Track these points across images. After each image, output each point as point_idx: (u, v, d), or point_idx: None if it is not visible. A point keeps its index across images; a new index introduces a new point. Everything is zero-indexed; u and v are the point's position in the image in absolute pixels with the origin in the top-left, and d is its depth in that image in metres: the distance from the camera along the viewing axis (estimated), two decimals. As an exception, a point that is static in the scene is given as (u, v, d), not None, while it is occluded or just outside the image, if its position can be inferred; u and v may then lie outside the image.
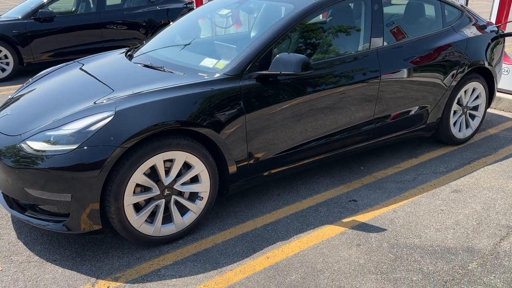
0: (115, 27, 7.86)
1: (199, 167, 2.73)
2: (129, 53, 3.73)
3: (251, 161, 2.95)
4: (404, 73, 3.55)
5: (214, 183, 2.84)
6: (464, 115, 4.22)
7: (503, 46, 4.43)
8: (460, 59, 3.89)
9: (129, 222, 2.58)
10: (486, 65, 4.10)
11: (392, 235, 2.84)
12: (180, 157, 2.64)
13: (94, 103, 2.67)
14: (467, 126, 4.28)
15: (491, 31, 4.29)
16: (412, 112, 3.76)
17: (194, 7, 9.18)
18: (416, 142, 4.29)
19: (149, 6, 8.34)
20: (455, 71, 3.87)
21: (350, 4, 3.47)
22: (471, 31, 4.10)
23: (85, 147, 2.40)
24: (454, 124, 4.15)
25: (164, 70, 3.06)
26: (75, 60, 3.76)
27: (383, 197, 3.32)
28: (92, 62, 3.61)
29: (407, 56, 3.59)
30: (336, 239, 2.81)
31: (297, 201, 3.27)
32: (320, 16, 3.64)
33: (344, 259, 2.62)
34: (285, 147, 3.09)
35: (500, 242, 2.76)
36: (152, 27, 8.28)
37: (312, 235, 2.86)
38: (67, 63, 3.73)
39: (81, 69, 3.43)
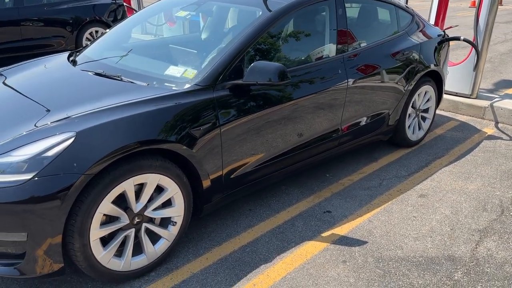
0: (36, 25, 7.09)
1: (172, 190, 2.45)
2: (71, 58, 3.30)
3: (226, 176, 2.72)
4: (369, 78, 3.51)
5: (188, 206, 2.57)
6: (417, 118, 4.31)
7: (448, 49, 4.59)
8: (416, 64, 3.95)
9: (96, 259, 2.23)
10: (437, 68, 4.22)
11: (375, 248, 2.77)
12: (152, 180, 2.34)
13: (42, 123, 2.25)
14: (419, 128, 4.38)
15: (438, 35, 4.42)
16: (375, 117, 3.75)
17: (123, 3, 8.61)
18: (372, 146, 4.31)
19: (74, 2, 7.64)
20: (412, 75, 3.92)
21: (316, 8, 3.34)
22: (422, 36, 4.19)
23: (42, 177, 2.01)
24: (409, 126, 4.22)
25: (122, 80, 2.71)
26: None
27: (356, 206, 3.25)
28: (24, 72, 3.11)
29: (371, 61, 3.55)
30: (320, 256, 2.67)
31: (271, 216, 3.09)
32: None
33: (333, 279, 2.49)
34: (261, 159, 2.89)
35: (476, 248, 2.80)
36: (79, 24, 7.61)
37: (295, 254, 2.70)
38: None
39: (5, 84, 2.90)
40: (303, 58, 3.20)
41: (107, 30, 3.71)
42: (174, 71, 2.75)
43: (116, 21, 8.14)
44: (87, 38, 7.81)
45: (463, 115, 5.33)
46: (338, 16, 3.36)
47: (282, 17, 3.00)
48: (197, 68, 2.75)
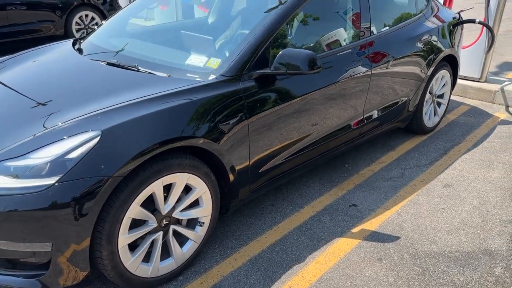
0: (22, 9, 6.73)
1: (201, 189, 2.28)
2: (76, 46, 3.06)
3: (253, 169, 2.56)
4: (392, 64, 3.36)
5: (216, 205, 2.41)
6: (433, 103, 4.19)
7: (462, 33, 4.45)
8: (435, 48, 3.81)
9: (124, 266, 2.07)
10: (453, 52, 4.09)
11: (409, 244, 2.66)
12: (181, 180, 2.17)
13: (60, 121, 2.05)
14: (434, 114, 4.27)
15: (453, 18, 4.27)
16: (396, 104, 3.62)
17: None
18: (387, 134, 4.18)
19: (62, -16, 7.25)
20: (432, 60, 3.78)
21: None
22: (439, 19, 4.04)
23: (67, 181, 1.83)
24: (425, 113, 4.10)
25: (139, 70, 2.51)
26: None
27: (381, 198, 3.13)
28: (28, 63, 2.86)
29: (394, 47, 3.40)
30: (354, 254, 2.55)
31: (296, 211, 2.96)
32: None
33: (372, 279, 2.37)
34: (290, 151, 2.75)
35: (511, 241, 2.72)
36: (67, 8, 7.24)
37: (327, 252, 2.57)
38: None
39: (10, 76, 2.68)
40: (327, 44, 3.02)
41: (116, 12, 3.45)
42: (196, 60, 2.55)
43: (105, 4, 7.79)
44: (76, 22, 7.45)
45: (472, 99, 5.24)
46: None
47: (306, 2, 2.80)
48: (220, 57, 2.56)
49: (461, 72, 5.35)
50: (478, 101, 5.17)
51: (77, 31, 7.42)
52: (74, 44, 3.12)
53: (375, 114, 3.42)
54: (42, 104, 2.25)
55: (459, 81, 5.34)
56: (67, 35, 7.23)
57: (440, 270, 2.45)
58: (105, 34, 3.19)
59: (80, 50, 2.96)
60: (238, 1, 3.38)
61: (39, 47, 3.18)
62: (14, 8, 6.64)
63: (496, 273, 2.44)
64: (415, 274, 2.42)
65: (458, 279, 2.39)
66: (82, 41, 3.17)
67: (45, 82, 2.55)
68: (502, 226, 2.86)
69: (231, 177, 2.44)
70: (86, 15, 7.57)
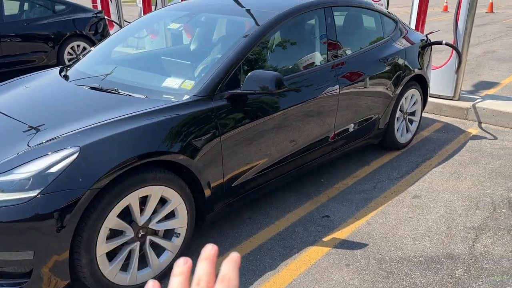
0: (16, 40, 7.00)
1: (176, 201, 2.45)
2: (63, 73, 3.27)
3: (227, 184, 2.74)
4: (358, 84, 3.59)
5: (191, 217, 2.57)
6: (404, 121, 4.41)
7: (431, 54, 4.72)
8: (402, 69, 4.05)
9: (102, 274, 2.21)
10: (421, 72, 4.33)
11: (376, 250, 2.82)
12: (156, 192, 2.34)
13: (42, 140, 2.23)
14: (407, 130, 4.48)
15: (421, 40, 4.54)
16: (366, 122, 3.83)
17: (104, 16, 8.55)
18: (363, 150, 4.38)
19: (54, 16, 7.56)
20: (399, 80, 4.02)
21: (306, 18, 3.40)
22: (406, 41, 4.30)
23: (48, 193, 2.00)
24: (397, 129, 4.31)
25: (119, 93, 2.71)
26: None
27: (353, 209, 3.30)
28: (16, 89, 3.06)
29: (360, 68, 3.63)
30: (324, 261, 2.71)
31: (271, 223, 3.11)
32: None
33: (339, 282, 2.52)
34: (261, 166, 2.92)
35: (473, 245, 2.88)
36: (60, 39, 7.52)
37: (298, 260, 2.72)
38: None
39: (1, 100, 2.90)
40: (296, 66, 3.25)
41: (101, 42, 3.69)
42: (171, 82, 2.76)
43: (97, 34, 8.09)
44: (68, 52, 7.72)
45: (446, 116, 5.47)
46: (327, 25, 3.43)
47: (275, 27, 3.05)
48: (194, 79, 2.77)
49: (435, 90, 5.61)
50: (452, 118, 5.40)
51: (69, 60, 7.68)
52: (61, 71, 3.33)
53: (346, 130, 3.62)
54: (29, 126, 2.44)
55: (433, 99, 5.59)
56: (59, 64, 7.48)
57: (403, 273, 2.60)
58: (90, 61, 3.40)
59: (66, 77, 3.16)
60: (213, 30, 3.63)
61: (28, 74, 3.39)
62: (8, 40, 6.92)
63: (457, 275, 2.60)
64: (380, 277, 2.57)
65: (420, 281, 2.54)
66: (68, 68, 3.38)
67: (33, 106, 2.74)
68: (465, 232, 3.02)
69: (207, 192, 2.61)
70: (78, 45, 7.85)
